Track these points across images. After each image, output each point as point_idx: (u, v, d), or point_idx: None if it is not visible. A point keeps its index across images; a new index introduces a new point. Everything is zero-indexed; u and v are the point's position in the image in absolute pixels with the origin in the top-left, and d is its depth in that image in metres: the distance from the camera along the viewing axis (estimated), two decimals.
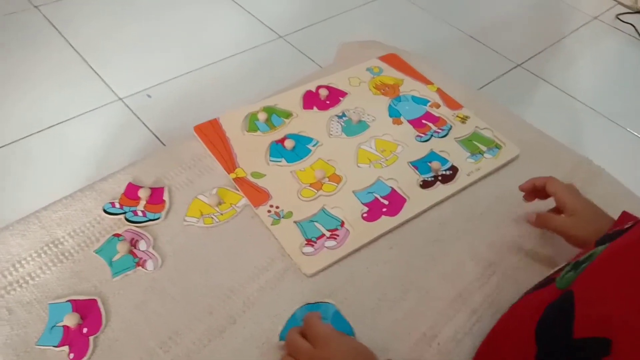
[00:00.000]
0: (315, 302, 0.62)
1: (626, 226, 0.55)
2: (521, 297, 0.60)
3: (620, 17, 2.20)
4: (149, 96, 1.47)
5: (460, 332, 0.62)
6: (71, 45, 1.60)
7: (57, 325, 0.58)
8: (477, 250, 0.71)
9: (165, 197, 0.73)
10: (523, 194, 0.74)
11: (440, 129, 0.87)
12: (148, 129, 1.37)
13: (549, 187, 0.68)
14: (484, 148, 0.84)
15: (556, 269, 0.58)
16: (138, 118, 1.40)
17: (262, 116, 0.84)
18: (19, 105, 1.40)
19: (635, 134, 1.68)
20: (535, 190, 0.71)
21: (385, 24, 2.00)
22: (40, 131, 1.33)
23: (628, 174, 0.91)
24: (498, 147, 0.85)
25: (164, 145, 1.32)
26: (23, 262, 0.64)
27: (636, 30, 2.12)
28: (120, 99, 1.45)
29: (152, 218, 0.70)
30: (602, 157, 0.91)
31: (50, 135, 1.33)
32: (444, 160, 0.81)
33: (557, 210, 0.69)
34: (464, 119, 0.89)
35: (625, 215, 0.61)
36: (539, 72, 1.86)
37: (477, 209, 0.76)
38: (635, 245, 0.45)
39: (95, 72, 1.52)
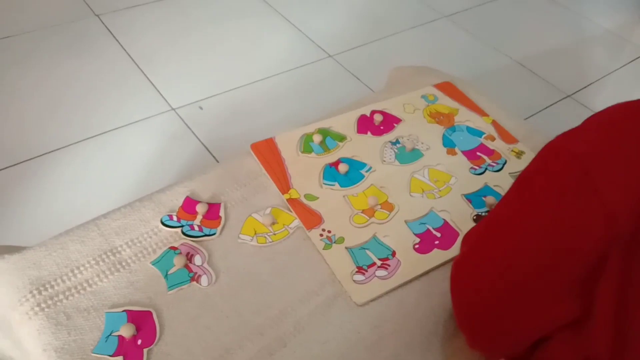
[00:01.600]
0: None
1: None
2: None
3: None
4: (200, 108, 1.50)
5: None
6: (128, 53, 1.66)
7: (113, 334, 0.60)
8: None
9: (222, 213, 0.74)
10: None
11: (495, 162, 0.86)
12: (198, 139, 1.40)
13: None
14: None
15: None
16: (189, 128, 1.43)
17: (317, 138, 0.85)
18: (76, 110, 1.45)
19: None
20: None
21: (432, 48, 1.99)
22: (95, 136, 1.38)
23: None
24: None
25: (212, 155, 1.35)
26: (81, 268, 0.66)
27: None
28: (173, 109, 1.49)
29: (207, 233, 0.71)
30: None
31: (104, 140, 1.37)
32: (498, 195, 0.80)
33: None
34: (519, 154, 0.88)
35: None
36: (589, 104, 1.83)
37: None
38: None
39: (150, 81, 1.57)
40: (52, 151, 1.33)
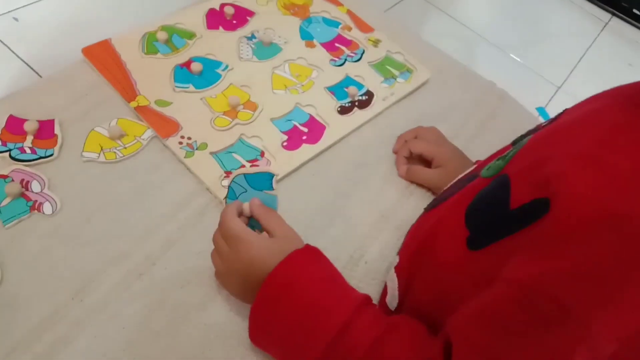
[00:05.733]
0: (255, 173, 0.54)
1: None
2: (434, 203, 0.61)
3: None
4: (15, 19, 1.26)
5: (386, 248, 0.63)
6: None
7: None
8: (395, 172, 0.71)
9: (57, 130, 0.63)
10: (435, 116, 0.74)
11: (353, 52, 0.84)
12: (17, 56, 1.18)
13: (413, 148, 0.70)
14: (396, 72, 0.83)
15: (465, 173, 0.60)
16: (4, 44, 1.20)
17: (161, 36, 0.75)
18: None
19: (516, 58, 1.79)
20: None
21: None
22: None
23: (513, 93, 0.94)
24: (409, 71, 0.84)
25: (37, 73, 1.15)
26: None
27: None
28: None
29: (43, 155, 0.61)
30: (488, 77, 0.94)
31: None
32: (359, 86, 0.79)
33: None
34: (376, 43, 0.87)
35: (479, 163, 0.62)
36: (433, 0, 1.89)
37: (394, 132, 0.76)
38: (581, 118, 0.44)
39: None
40: None
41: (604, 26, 2.08)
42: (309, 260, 0.50)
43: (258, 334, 0.49)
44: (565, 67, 1.83)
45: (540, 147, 0.45)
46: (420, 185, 0.70)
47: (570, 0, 2.14)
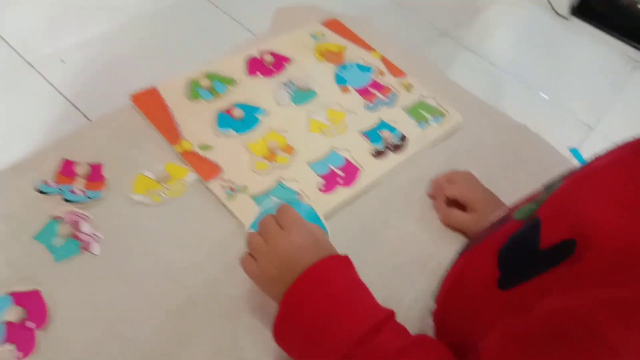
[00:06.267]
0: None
1: None
2: (468, 245, 0.62)
3: None
4: (63, 61, 1.34)
5: (421, 294, 0.63)
6: None
7: None
8: (431, 215, 0.73)
9: (105, 173, 0.67)
10: (467, 158, 0.76)
11: (386, 97, 0.87)
12: (63, 96, 1.25)
13: (448, 192, 0.72)
14: (429, 116, 0.85)
15: (498, 217, 0.60)
16: (51, 85, 1.27)
17: (204, 83, 0.79)
18: None
19: (545, 96, 1.79)
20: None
21: None
22: None
23: (541, 133, 0.95)
24: (442, 115, 0.86)
25: (83, 114, 1.21)
26: None
27: (549, 2, 2.23)
28: (29, 63, 1.31)
29: (92, 197, 0.64)
30: (517, 117, 0.94)
31: None
32: (393, 130, 0.81)
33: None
34: (408, 87, 0.89)
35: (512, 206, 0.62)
36: (462, 41, 1.92)
37: (427, 175, 0.77)
38: (616, 162, 0.46)
39: None
40: None
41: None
42: (347, 266, 0.53)
43: (285, 326, 0.50)
44: (597, 106, 1.82)
45: (571, 192, 0.47)
46: (455, 228, 0.71)
47: (601, 39, 2.14)
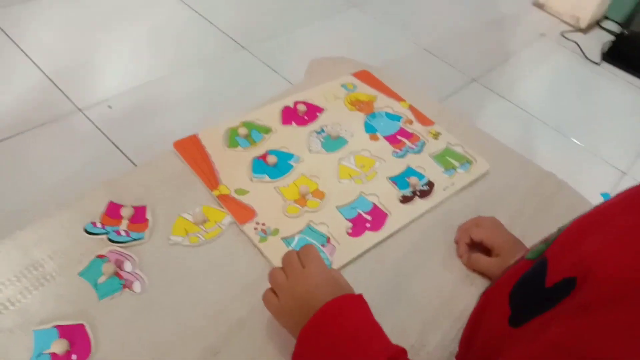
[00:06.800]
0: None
1: None
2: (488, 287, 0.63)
3: (565, 35, 2.33)
4: (109, 107, 1.43)
5: (446, 338, 0.65)
6: (25, 53, 1.53)
7: (44, 353, 0.56)
8: (457, 259, 0.74)
9: (148, 215, 0.72)
10: (493, 204, 0.77)
11: (414, 145, 0.90)
12: (110, 141, 1.33)
13: (474, 235, 0.74)
14: (456, 164, 0.88)
15: (516, 260, 0.62)
16: (99, 129, 1.36)
17: (242, 131, 0.84)
18: None
19: (577, 142, 1.79)
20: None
21: (344, 37, 2.03)
22: None
23: (574, 179, 0.96)
24: (469, 162, 0.89)
25: (127, 157, 1.29)
26: (1, 286, 0.62)
27: (579, 47, 2.25)
28: (79, 109, 1.40)
29: (136, 238, 0.69)
30: (550, 163, 0.96)
31: (8, 147, 1.27)
32: (420, 176, 0.84)
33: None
34: (436, 135, 0.92)
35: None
36: (493, 87, 1.95)
37: (454, 221, 0.79)
38: (620, 203, 0.48)
39: (52, 82, 1.46)
40: None
41: None
42: (361, 304, 0.56)
43: (302, 354, 0.53)
44: (630, 150, 1.81)
45: (576, 232, 0.49)
46: (479, 272, 0.73)
47: (633, 83, 2.14)
